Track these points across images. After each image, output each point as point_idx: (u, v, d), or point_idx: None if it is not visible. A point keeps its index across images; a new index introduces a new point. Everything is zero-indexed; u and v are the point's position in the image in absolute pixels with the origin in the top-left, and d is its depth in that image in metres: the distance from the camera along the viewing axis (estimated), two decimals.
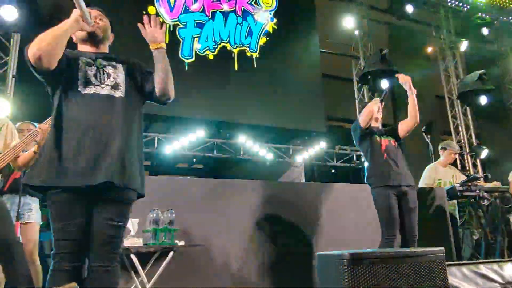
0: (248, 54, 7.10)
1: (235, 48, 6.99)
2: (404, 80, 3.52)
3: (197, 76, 6.49)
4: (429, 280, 1.43)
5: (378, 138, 3.39)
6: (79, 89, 1.73)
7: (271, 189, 3.72)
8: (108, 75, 1.80)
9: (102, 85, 1.76)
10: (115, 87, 1.78)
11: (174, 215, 2.88)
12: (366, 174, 3.45)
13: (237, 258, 3.31)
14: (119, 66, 1.86)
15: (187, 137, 6.01)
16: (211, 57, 6.72)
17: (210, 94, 6.52)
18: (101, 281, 1.62)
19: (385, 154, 3.32)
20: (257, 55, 7.16)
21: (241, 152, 6.64)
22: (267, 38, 7.33)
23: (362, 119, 3.39)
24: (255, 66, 7.08)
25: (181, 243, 2.87)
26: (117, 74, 1.82)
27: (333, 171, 7.16)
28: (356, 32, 8.40)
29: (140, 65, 1.94)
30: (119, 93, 1.79)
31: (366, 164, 3.47)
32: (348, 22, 8.04)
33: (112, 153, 1.66)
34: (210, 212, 3.35)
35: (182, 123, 6.49)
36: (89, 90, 1.73)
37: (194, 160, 6.60)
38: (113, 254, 1.67)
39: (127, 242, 2.61)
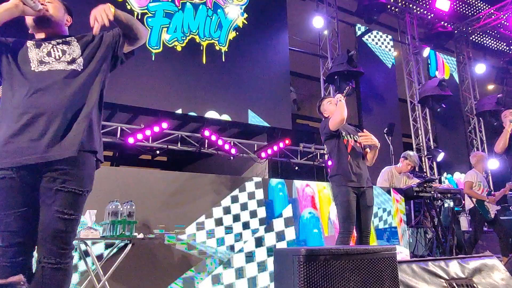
0: (217, 47, 7.05)
1: (204, 41, 6.92)
2: (366, 140, 3.44)
3: (164, 67, 6.38)
4: (380, 276, 1.48)
5: (345, 139, 3.44)
6: (32, 69, 1.66)
7: (234, 184, 3.73)
8: (63, 52, 1.73)
9: (57, 62, 1.69)
10: (71, 62, 1.71)
11: (134, 207, 2.84)
12: (329, 172, 3.51)
13: (197, 251, 3.30)
14: (73, 41, 1.78)
15: (151, 128, 5.89)
16: (179, 48, 6.62)
17: (177, 86, 6.43)
18: (50, 279, 1.46)
19: (350, 155, 3.39)
20: (226, 49, 7.12)
21: (206, 146, 6.59)
22: (237, 33, 7.30)
23: (332, 124, 3.39)
24: (223, 60, 7.04)
25: (140, 235, 2.84)
26: (72, 50, 1.75)
27: (296, 168, 7.25)
28: (325, 32, 8.52)
29: (102, 36, 1.84)
30: (75, 66, 1.71)
31: (330, 162, 3.53)
32: (318, 22, 8.14)
33: (58, 128, 1.56)
34: (172, 205, 3.32)
35: (146, 114, 6.37)
36: (44, 68, 1.67)
37: (158, 152, 6.48)
38: (64, 249, 1.50)
39: (83, 234, 2.54)
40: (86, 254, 2.67)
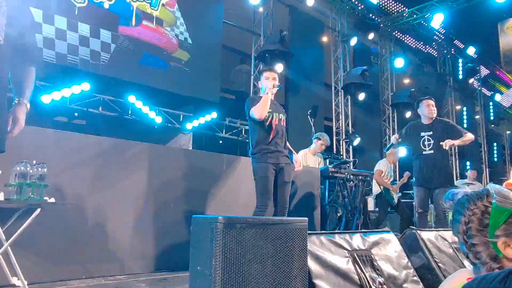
0: (148, 11, 6.72)
1: (135, 2, 6.56)
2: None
3: (88, 24, 5.94)
4: (291, 245, 1.59)
5: (270, 118, 3.49)
6: None
7: (156, 153, 3.66)
8: None
9: None
10: None
11: (45, 170, 2.66)
12: (251, 148, 3.59)
13: (113, 219, 3.21)
14: None
15: (70, 89, 5.50)
16: (106, 5, 6.20)
17: (101, 46, 6.04)
18: None
19: (272, 134, 3.47)
20: (158, 14, 6.82)
21: (129, 112, 6.35)
22: None
23: (253, 114, 3.41)
24: (154, 25, 6.75)
25: (51, 200, 2.68)
26: None
27: (221, 142, 7.30)
28: (260, 9, 8.53)
29: None
30: None
31: (252, 138, 3.59)
32: None
33: None
34: (88, 170, 3.18)
35: (65, 73, 5.91)
36: None
37: (76, 114, 6.10)
38: None
39: None
40: None
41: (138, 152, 3.51)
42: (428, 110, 4.45)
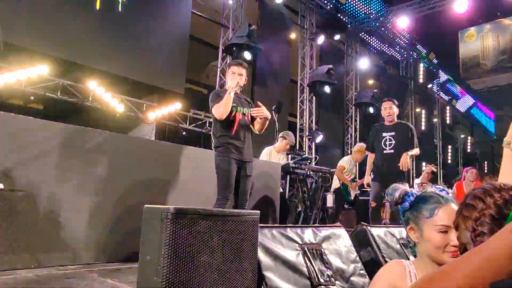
0: None
1: None
2: (258, 113, 3.58)
3: (48, 5, 5.69)
4: (242, 237, 1.61)
5: (233, 112, 3.49)
6: None
7: (116, 142, 3.58)
8: None
9: None
10: None
11: None
12: (214, 141, 3.59)
13: (67, 208, 3.12)
14: None
15: (26, 70, 5.26)
16: None
17: (62, 29, 5.80)
18: None
19: (235, 128, 3.48)
20: (124, 0, 6.63)
21: (90, 99, 6.16)
22: None
23: (214, 112, 3.41)
24: (120, 10, 6.56)
25: (0, 186, 2.58)
26: None
27: (184, 133, 7.23)
28: (230, 2, 8.48)
29: None
30: None
31: (215, 132, 3.58)
32: None
33: None
34: (43, 157, 3.07)
35: (21, 55, 5.64)
36: None
37: (32, 98, 5.85)
38: None
39: None
40: None
41: (97, 140, 3.42)
42: (384, 112, 4.68)
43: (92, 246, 3.24)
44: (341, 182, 6.13)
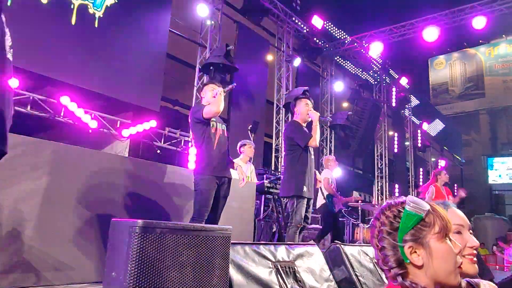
0: (91, 11, 6.48)
1: (77, 0, 6.29)
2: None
3: (22, 18, 5.58)
4: (213, 253, 1.57)
5: (214, 127, 3.48)
6: None
7: (88, 158, 3.48)
8: None
9: None
10: None
11: None
12: (195, 159, 3.55)
13: (32, 226, 2.98)
14: None
15: None
16: (44, 1, 5.88)
17: (35, 42, 5.69)
18: None
19: (216, 144, 3.46)
20: (101, 15, 6.60)
21: (62, 114, 6.00)
22: (116, 1, 6.82)
23: (207, 112, 3.37)
24: (96, 26, 6.51)
25: None
26: None
27: (158, 151, 7.12)
28: (208, 22, 8.55)
29: None
30: None
31: (195, 149, 3.56)
32: (202, 10, 8.13)
33: None
34: (9, 172, 2.93)
35: None
36: None
37: None
38: None
39: None
40: None
41: (67, 155, 3.31)
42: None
43: (56, 265, 3.09)
44: (326, 194, 6.15)
